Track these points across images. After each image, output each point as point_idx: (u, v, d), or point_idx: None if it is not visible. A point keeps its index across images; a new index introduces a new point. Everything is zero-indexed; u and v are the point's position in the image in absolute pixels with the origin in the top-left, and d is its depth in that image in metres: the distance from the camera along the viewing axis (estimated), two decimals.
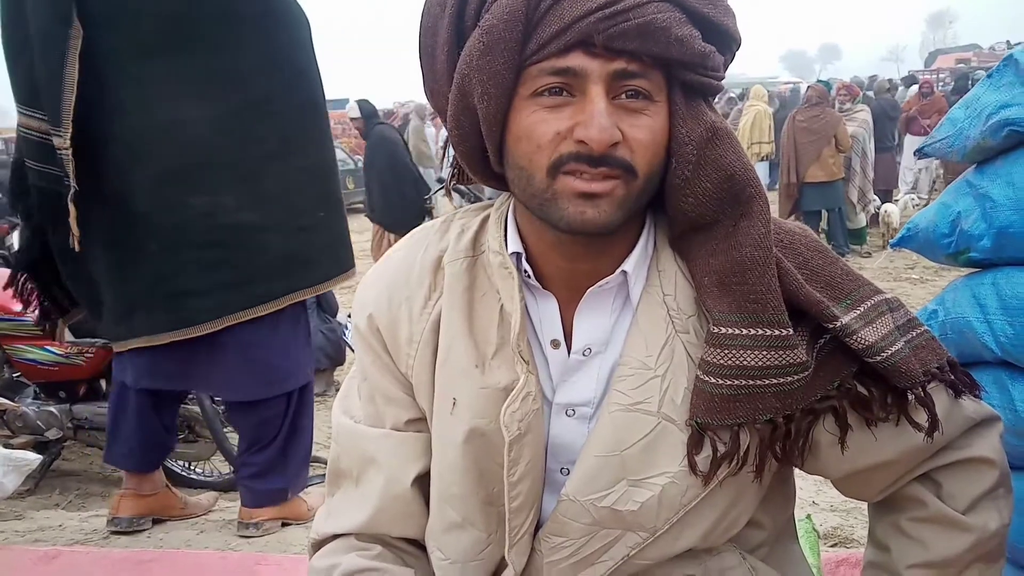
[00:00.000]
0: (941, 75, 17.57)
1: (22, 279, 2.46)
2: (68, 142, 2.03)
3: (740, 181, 0.87)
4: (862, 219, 8.43)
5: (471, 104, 0.85)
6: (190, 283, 2.21)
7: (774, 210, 8.75)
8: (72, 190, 2.05)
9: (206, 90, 2.16)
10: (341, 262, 2.37)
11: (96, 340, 3.31)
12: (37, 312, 2.55)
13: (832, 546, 2.27)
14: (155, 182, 2.16)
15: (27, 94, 2.11)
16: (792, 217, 8.20)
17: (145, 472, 2.59)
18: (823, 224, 8.33)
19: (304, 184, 2.30)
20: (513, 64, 0.81)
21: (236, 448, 2.73)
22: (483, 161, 0.90)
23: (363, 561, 0.98)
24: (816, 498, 2.59)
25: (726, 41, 0.86)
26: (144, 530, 2.58)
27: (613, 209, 0.83)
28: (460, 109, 0.87)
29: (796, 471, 1.04)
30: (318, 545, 1.05)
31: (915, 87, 11.57)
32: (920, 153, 1.65)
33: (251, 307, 2.24)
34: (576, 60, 0.80)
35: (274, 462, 2.45)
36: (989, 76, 1.48)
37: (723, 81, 0.89)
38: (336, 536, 1.03)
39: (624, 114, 0.82)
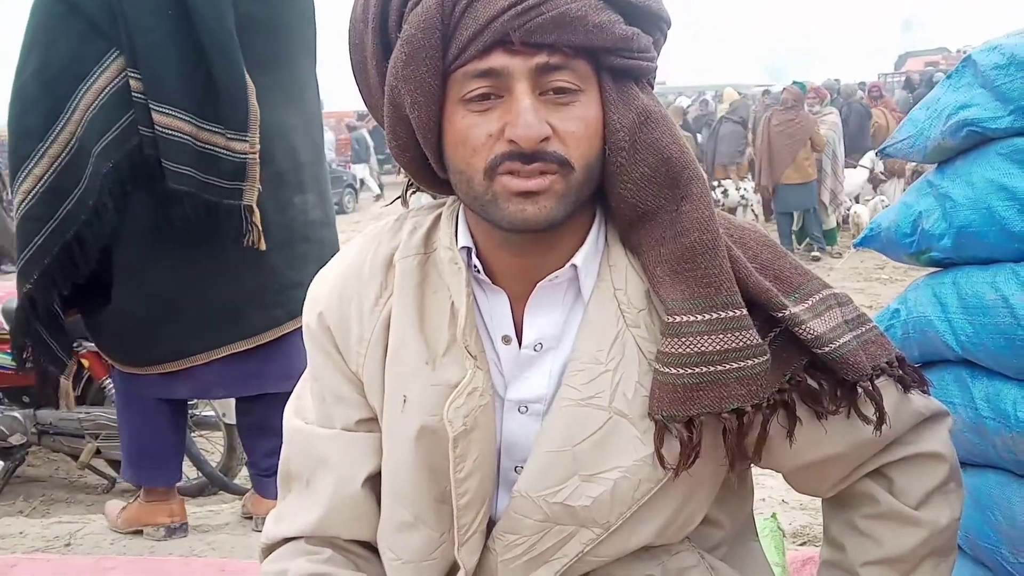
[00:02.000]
0: (912, 77, 17.80)
1: (22, 330, 2.31)
2: (256, 146, 2.14)
3: (677, 164, 0.87)
4: (832, 220, 8.52)
5: (404, 114, 0.86)
6: (297, 276, 2.32)
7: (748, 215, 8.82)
8: (256, 192, 2.17)
9: (297, 99, 2.37)
10: None
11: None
12: (35, 374, 2.49)
13: (801, 544, 2.29)
14: (271, 184, 2.27)
15: (176, 95, 2.09)
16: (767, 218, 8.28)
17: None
18: (794, 225, 8.40)
19: (329, 184, 2.60)
20: (437, 70, 0.82)
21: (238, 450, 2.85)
22: (426, 169, 0.91)
23: (312, 566, 0.96)
24: (785, 496, 2.61)
25: (652, 21, 0.87)
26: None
27: (553, 204, 0.83)
28: (395, 120, 0.87)
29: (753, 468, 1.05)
30: (268, 550, 1.04)
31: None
32: (882, 153, 1.66)
33: None
34: (497, 60, 0.80)
35: None
36: (948, 77, 1.49)
37: (655, 72, 0.90)
38: (286, 540, 1.02)
39: (553, 108, 0.82)
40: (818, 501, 1.08)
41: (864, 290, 6.71)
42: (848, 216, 8.73)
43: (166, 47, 2.09)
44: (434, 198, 1.03)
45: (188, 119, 2.10)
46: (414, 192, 1.03)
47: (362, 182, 16.23)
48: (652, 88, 0.91)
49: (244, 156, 2.14)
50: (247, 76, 2.14)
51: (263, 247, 2.21)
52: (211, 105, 2.11)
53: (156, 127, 2.09)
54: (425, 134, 0.85)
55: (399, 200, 1.05)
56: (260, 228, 2.19)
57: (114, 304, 2.30)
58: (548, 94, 0.82)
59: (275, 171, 2.28)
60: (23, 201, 2.14)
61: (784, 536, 1.98)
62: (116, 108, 2.11)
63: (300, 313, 2.31)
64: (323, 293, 1.01)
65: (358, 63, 0.91)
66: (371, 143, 16.64)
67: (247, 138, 2.13)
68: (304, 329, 1.03)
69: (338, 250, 2.43)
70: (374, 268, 0.98)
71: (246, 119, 2.13)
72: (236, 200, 2.16)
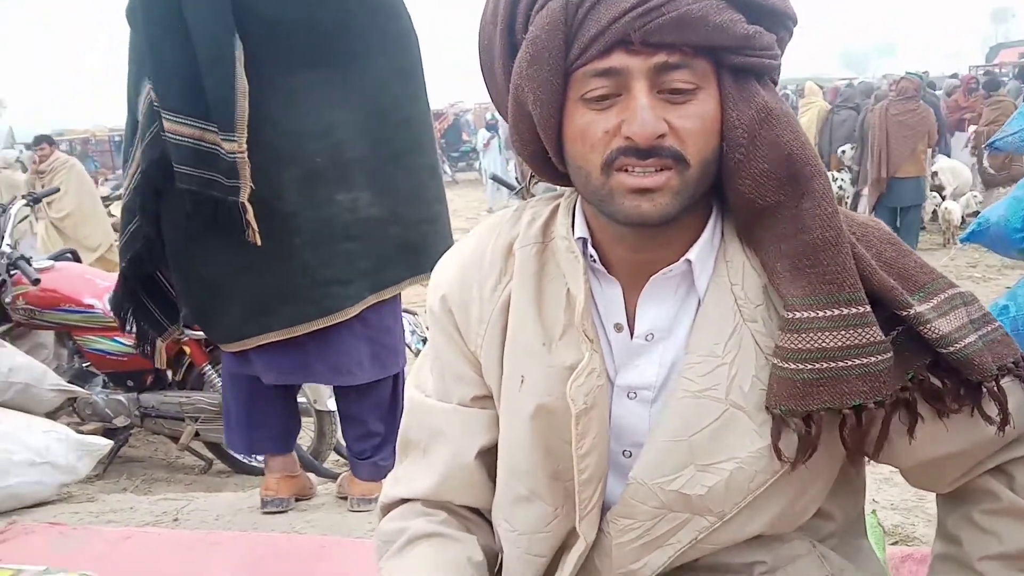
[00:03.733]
0: (1004, 70, 17.01)
1: (126, 297, 2.62)
2: (244, 146, 2.20)
3: (798, 160, 0.87)
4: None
5: (527, 111, 0.89)
6: (335, 273, 2.39)
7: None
8: (248, 190, 2.23)
9: (346, 97, 2.35)
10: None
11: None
12: (134, 334, 2.78)
13: (893, 543, 2.25)
14: (303, 182, 2.33)
15: (179, 102, 2.23)
16: (872, 212, 7.98)
17: (289, 452, 2.76)
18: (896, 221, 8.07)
19: (427, 181, 2.53)
20: (559, 70, 0.85)
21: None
22: (546, 162, 0.94)
23: (430, 526, 1.03)
24: (877, 496, 2.56)
25: (776, 18, 0.87)
26: (291, 509, 2.71)
27: (669, 200, 0.85)
28: (518, 116, 0.91)
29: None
30: (387, 509, 1.10)
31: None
32: (991, 148, 1.63)
33: (379, 291, 2.46)
34: (617, 59, 0.82)
35: (388, 438, 2.62)
36: None
37: (780, 69, 0.89)
38: (404, 500, 1.08)
39: (671, 105, 0.84)
40: (911, 501, 1.08)
41: None
42: (935, 212, 8.44)
43: (172, 58, 2.21)
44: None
45: (191, 123, 2.21)
46: (536, 183, 1.08)
47: None
48: (775, 84, 0.91)
49: (234, 156, 2.20)
50: (238, 78, 2.19)
51: (258, 242, 2.26)
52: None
53: (166, 133, 2.23)
54: (546, 130, 0.88)
55: (523, 190, 1.10)
56: (254, 226, 2.26)
57: (177, 284, 2.58)
58: (665, 92, 0.84)
59: (306, 170, 2.31)
60: (123, 194, 2.49)
61: (884, 532, 1.96)
62: (148, 119, 2.28)
63: (337, 310, 2.38)
64: (446, 278, 1.07)
65: (486, 63, 0.95)
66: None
67: (235, 138, 2.20)
68: (428, 311, 1.09)
69: (416, 248, 2.45)
70: (495, 256, 1.03)
71: (232, 120, 2.19)
72: (236, 198, 2.24)
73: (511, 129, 0.94)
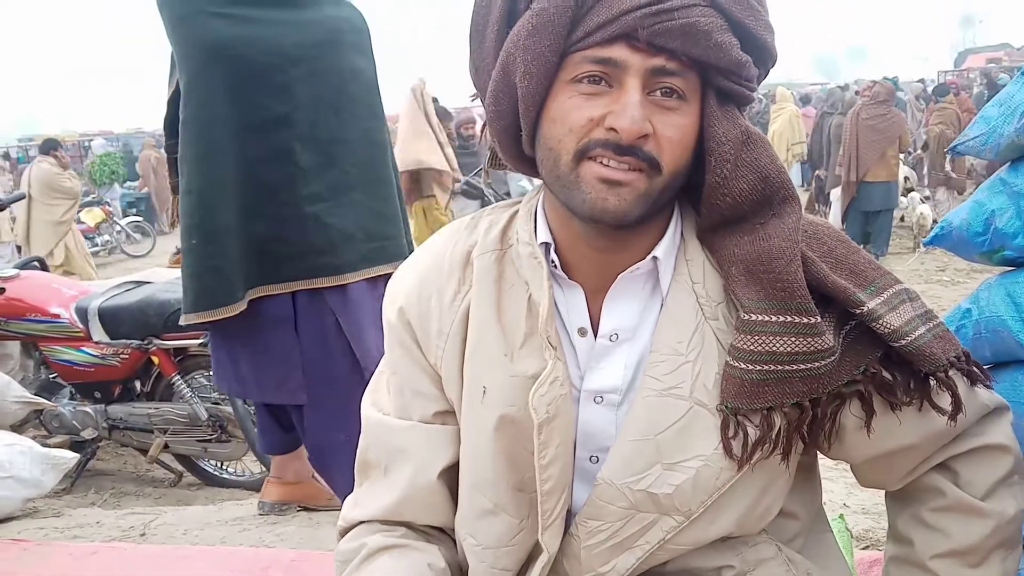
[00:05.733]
0: (971, 75, 17.31)
1: None
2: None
3: (774, 183, 0.90)
4: None
5: (512, 82, 0.88)
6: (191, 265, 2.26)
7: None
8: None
9: None
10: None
11: (131, 341, 3.39)
12: None
13: (864, 548, 2.26)
14: None
15: None
16: (843, 216, 8.05)
17: (279, 455, 2.68)
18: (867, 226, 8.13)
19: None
20: (557, 48, 0.85)
21: None
22: (516, 141, 0.93)
23: (389, 539, 1.01)
24: (848, 500, 2.58)
25: (763, 55, 0.90)
26: (288, 515, 2.69)
27: (633, 199, 0.86)
28: (501, 87, 0.90)
29: (820, 463, 1.07)
30: (345, 531, 1.08)
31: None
32: (953, 152, 1.64)
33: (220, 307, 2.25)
34: (618, 52, 0.84)
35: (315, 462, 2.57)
36: (1022, 73, 1.47)
37: (754, 99, 0.92)
38: (362, 522, 1.06)
39: (657, 110, 0.85)
40: (881, 506, 1.08)
41: (925, 292, 6.55)
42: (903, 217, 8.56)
43: None
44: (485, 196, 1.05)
45: None
46: (492, 167, 1.06)
47: None
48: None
49: None
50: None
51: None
52: None
53: None
54: (528, 105, 0.88)
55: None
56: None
57: None
58: (655, 94, 0.85)
59: None
60: None
61: (852, 537, 1.97)
62: None
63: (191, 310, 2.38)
64: (403, 289, 1.05)
65: (478, 26, 0.93)
66: None
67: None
68: (384, 324, 1.07)
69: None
70: (453, 264, 1.02)
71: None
72: None
73: (489, 97, 0.92)
